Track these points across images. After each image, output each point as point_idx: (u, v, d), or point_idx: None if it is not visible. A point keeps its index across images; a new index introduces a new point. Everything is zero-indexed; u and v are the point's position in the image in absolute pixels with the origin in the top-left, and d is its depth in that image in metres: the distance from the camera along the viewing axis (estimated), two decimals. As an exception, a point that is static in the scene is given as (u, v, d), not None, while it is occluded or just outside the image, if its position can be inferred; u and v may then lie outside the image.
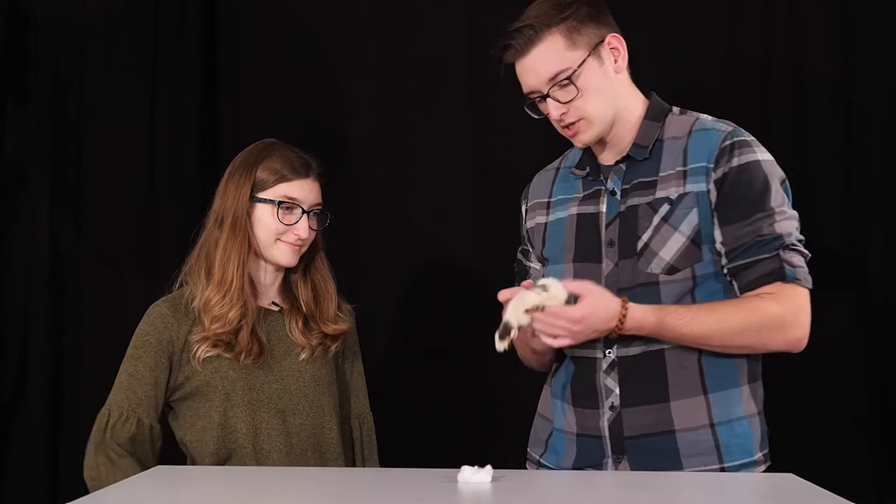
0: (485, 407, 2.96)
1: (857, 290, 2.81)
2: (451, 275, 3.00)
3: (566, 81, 1.94)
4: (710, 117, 2.03)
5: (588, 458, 1.99)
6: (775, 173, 1.95)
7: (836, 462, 2.70)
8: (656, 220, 1.95)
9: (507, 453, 2.04)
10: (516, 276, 2.20)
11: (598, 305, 1.84)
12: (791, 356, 1.97)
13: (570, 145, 2.17)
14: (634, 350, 1.95)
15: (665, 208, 1.95)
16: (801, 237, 1.94)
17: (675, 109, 2.05)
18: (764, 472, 1.96)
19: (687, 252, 1.93)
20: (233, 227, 2.15)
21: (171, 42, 3.08)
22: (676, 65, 2.89)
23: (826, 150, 2.84)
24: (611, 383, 1.96)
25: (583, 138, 2.00)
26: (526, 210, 2.18)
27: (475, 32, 3.01)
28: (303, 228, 2.15)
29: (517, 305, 1.83)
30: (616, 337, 1.91)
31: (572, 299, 1.84)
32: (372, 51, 3.06)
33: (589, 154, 2.07)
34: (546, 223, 2.11)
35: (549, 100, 1.97)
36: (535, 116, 2.03)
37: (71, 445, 3.02)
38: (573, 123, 1.98)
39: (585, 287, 1.85)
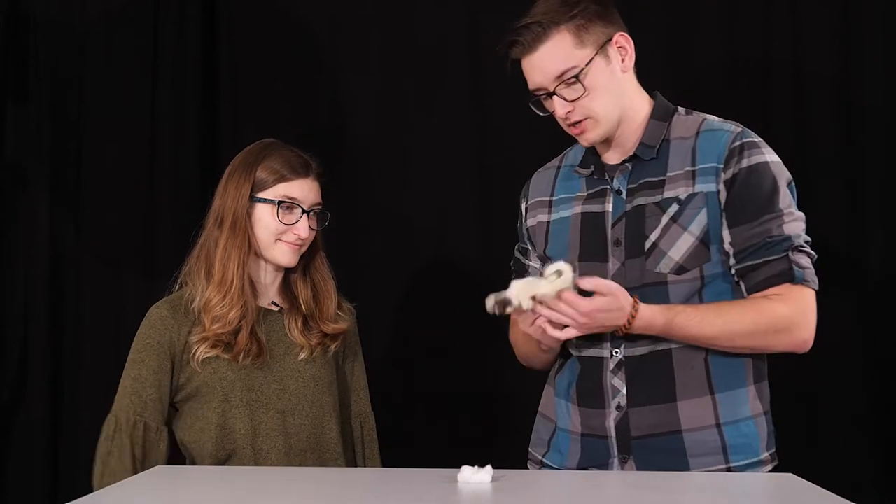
0: (485, 407, 2.96)
1: (857, 290, 2.81)
2: (451, 275, 3.00)
3: (573, 80, 1.93)
4: (716, 118, 2.03)
5: (593, 458, 1.98)
6: (783, 175, 1.95)
7: (836, 462, 2.70)
8: (665, 219, 1.95)
9: (508, 453, 2.04)
10: (513, 273, 2.20)
11: (611, 302, 1.84)
12: (791, 356, 1.97)
13: (569, 144, 2.17)
14: (641, 350, 1.94)
15: (674, 208, 1.95)
16: (808, 238, 1.95)
17: (681, 110, 2.05)
18: (770, 471, 1.96)
19: (696, 252, 1.93)
20: (233, 227, 2.15)
21: (171, 42, 3.08)
22: (676, 65, 2.89)
23: (826, 150, 2.84)
24: (618, 383, 1.96)
25: (589, 137, 1.99)
26: (526, 208, 2.17)
27: (475, 32, 3.01)
28: (303, 228, 2.15)
29: (525, 288, 1.82)
30: (622, 335, 1.91)
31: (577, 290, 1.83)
32: (372, 51, 3.06)
33: (593, 153, 2.06)
34: (548, 222, 2.10)
35: (555, 98, 1.96)
36: (540, 113, 2.02)
37: (71, 445, 3.02)
38: (579, 122, 1.97)
39: (606, 286, 1.83)
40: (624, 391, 1.95)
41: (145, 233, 3.05)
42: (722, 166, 1.94)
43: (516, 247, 2.21)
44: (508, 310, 1.84)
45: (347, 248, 2.88)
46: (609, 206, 2.01)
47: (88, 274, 3.06)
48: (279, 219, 2.14)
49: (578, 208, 2.05)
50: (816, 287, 1.93)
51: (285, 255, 2.16)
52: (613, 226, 1.99)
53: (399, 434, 2.52)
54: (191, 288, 2.18)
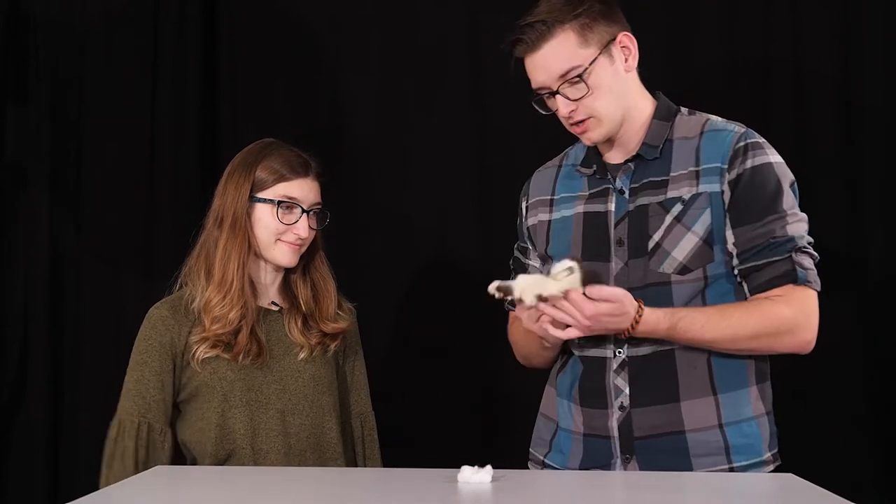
0: (485, 407, 2.96)
1: (857, 290, 2.81)
2: (451, 275, 3.00)
3: (577, 79, 1.93)
4: (720, 118, 2.03)
5: (596, 458, 1.98)
6: (787, 176, 1.95)
7: (836, 462, 2.70)
8: (668, 219, 1.95)
9: (508, 453, 2.04)
10: (512, 272, 2.20)
11: (617, 307, 1.84)
12: (791, 356, 1.97)
13: (569, 144, 2.17)
14: (645, 350, 1.94)
15: (678, 208, 1.95)
16: (811, 239, 1.95)
17: (684, 110, 2.05)
18: (772, 472, 1.96)
19: (700, 252, 1.93)
20: (232, 227, 2.15)
21: (171, 42, 3.08)
22: (676, 65, 2.89)
23: (826, 150, 2.84)
24: (621, 383, 1.96)
25: (592, 136, 1.99)
26: (526, 207, 2.16)
27: (475, 32, 3.01)
28: (302, 228, 2.15)
29: (532, 284, 1.82)
30: (625, 338, 1.91)
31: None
32: (372, 51, 3.06)
33: (595, 152, 2.06)
34: (550, 221, 2.10)
35: (558, 97, 1.96)
36: (543, 112, 2.02)
37: (71, 445, 3.02)
38: (582, 121, 1.97)
39: (612, 294, 1.83)
40: (627, 391, 1.95)
41: (145, 233, 3.05)
42: (726, 167, 1.94)
43: (516, 245, 2.21)
44: (508, 297, 1.84)
45: (347, 248, 2.87)
46: (612, 206, 2.01)
47: (88, 274, 3.06)
48: (279, 219, 2.14)
49: (581, 207, 2.05)
50: (819, 288, 1.93)
51: (285, 255, 2.16)
52: (616, 225, 1.99)
53: (399, 434, 2.52)
54: (191, 288, 2.18)
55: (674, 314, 1.89)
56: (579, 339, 1.95)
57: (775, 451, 1.99)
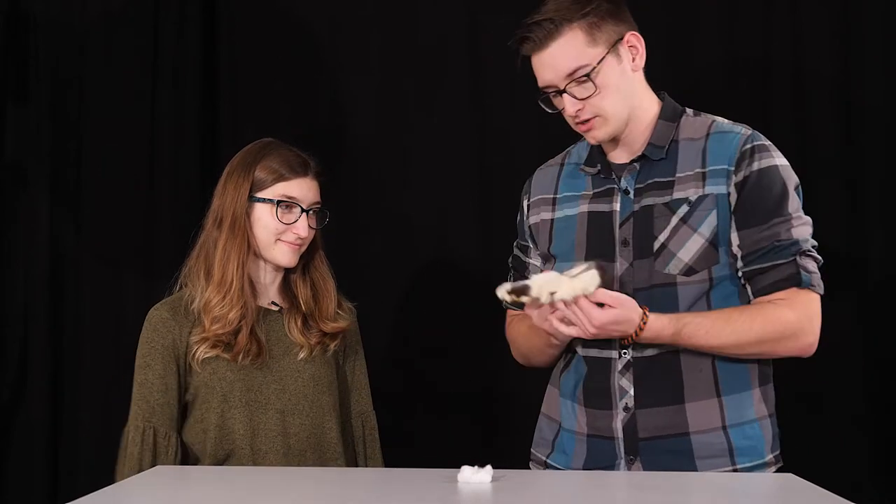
0: (485, 407, 2.96)
1: (857, 290, 2.81)
2: (451, 275, 3.00)
3: (584, 78, 1.92)
4: (725, 120, 2.03)
5: (600, 459, 1.98)
6: (792, 178, 1.95)
7: (836, 462, 2.70)
8: (674, 220, 1.95)
9: (508, 453, 2.04)
10: (512, 270, 2.20)
11: (622, 314, 1.85)
12: (792, 357, 1.97)
13: (571, 144, 2.17)
14: (650, 351, 1.94)
15: (684, 209, 1.94)
16: (815, 243, 1.95)
17: (689, 111, 2.05)
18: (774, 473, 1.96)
19: (705, 254, 1.93)
20: (232, 227, 2.15)
21: (171, 42, 3.07)
22: (676, 65, 2.89)
23: (826, 150, 2.85)
24: (625, 384, 1.96)
25: (597, 135, 1.99)
26: (528, 206, 2.15)
27: (475, 32, 3.01)
28: (302, 227, 2.15)
29: (547, 283, 1.82)
30: (629, 343, 1.92)
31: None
32: (372, 51, 3.06)
33: (599, 151, 2.05)
34: (552, 220, 2.09)
35: (565, 95, 1.95)
36: (549, 111, 2.01)
37: (71, 445, 3.02)
38: (588, 120, 1.96)
39: (617, 300, 1.84)
40: (631, 392, 1.95)
41: (145, 233, 3.05)
42: (733, 168, 1.93)
43: (515, 244, 2.20)
44: (523, 298, 1.83)
45: (347, 248, 2.87)
46: (617, 206, 2.00)
47: (88, 274, 3.06)
48: (278, 218, 2.14)
49: (585, 207, 2.04)
50: (822, 292, 1.94)
51: (285, 255, 2.16)
52: (621, 226, 1.99)
53: (399, 434, 2.52)
54: (190, 289, 2.17)
55: (678, 320, 1.89)
56: (584, 339, 1.95)
57: (777, 452, 2.00)
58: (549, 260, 2.08)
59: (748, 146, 1.94)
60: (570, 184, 2.10)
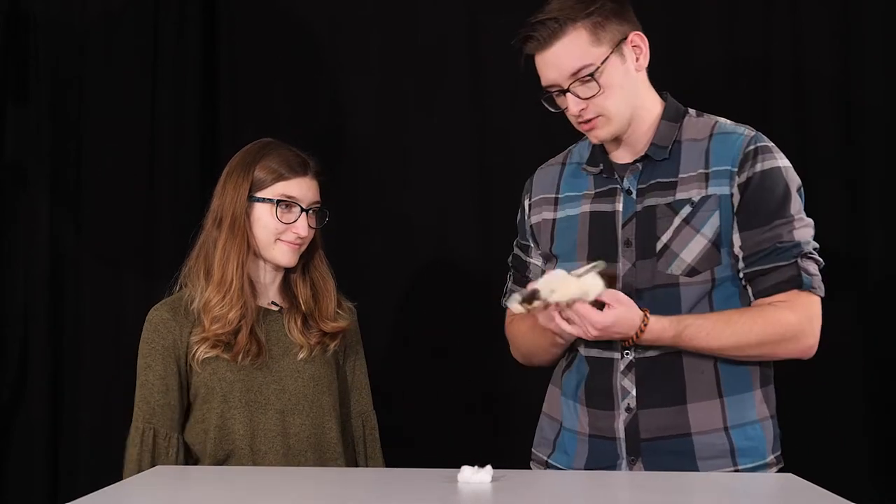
0: (485, 407, 2.96)
1: (857, 290, 2.81)
2: (451, 275, 3.00)
3: (588, 77, 1.92)
4: (728, 121, 2.02)
5: (601, 459, 1.98)
6: (794, 180, 1.95)
7: (836, 462, 2.70)
8: (677, 221, 1.94)
9: (508, 453, 2.04)
10: (512, 269, 2.19)
11: (623, 316, 1.85)
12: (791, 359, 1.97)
13: (571, 143, 2.17)
14: (652, 352, 1.94)
15: (686, 210, 1.94)
16: (817, 245, 1.95)
17: (692, 111, 2.05)
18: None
19: (708, 255, 1.93)
20: (231, 227, 2.15)
21: (171, 42, 3.07)
22: (676, 65, 2.89)
23: (826, 150, 2.85)
24: (628, 384, 1.96)
25: (599, 134, 1.98)
26: (529, 205, 2.15)
27: (475, 32, 3.01)
28: (302, 227, 2.15)
29: (554, 283, 1.82)
30: (630, 345, 1.92)
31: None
32: (372, 51, 3.06)
33: (601, 151, 2.05)
34: (554, 219, 2.09)
35: (568, 95, 1.94)
36: (552, 110, 2.00)
37: (71, 445, 3.03)
38: (591, 119, 1.96)
39: (615, 297, 1.84)
40: (634, 393, 1.95)
41: (145, 233, 3.05)
42: (736, 170, 1.93)
43: (515, 243, 2.20)
44: (535, 304, 1.83)
45: (347, 248, 2.87)
46: (619, 206, 2.00)
47: (88, 274, 3.06)
48: (278, 218, 2.14)
49: (587, 207, 2.04)
50: (823, 294, 1.94)
51: (285, 254, 2.16)
52: (624, 226, 1.98)
53: (399, 434, 2.52)
54: (190, 289, 2.17)
55: (679, 322, 1.89)
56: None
57: (778, 453, 2.00)
58: (551, 260, 2.08)
59: (751, 147, 1.94)
60: (572, 183, 2.09)
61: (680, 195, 1.96)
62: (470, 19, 3.02)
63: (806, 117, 2.86)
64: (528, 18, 1.95)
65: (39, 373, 3.03)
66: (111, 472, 2.14)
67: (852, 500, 1.53)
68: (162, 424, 2.11)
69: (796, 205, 1.94)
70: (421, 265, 3.02)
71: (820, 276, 1.93)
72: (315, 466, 2.14)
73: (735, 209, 1.93)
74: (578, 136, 2.14)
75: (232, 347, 2.12)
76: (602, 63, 1.92)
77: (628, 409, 1.95)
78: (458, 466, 1.71)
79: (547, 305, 1.84)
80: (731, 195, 1.93)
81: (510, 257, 2.21)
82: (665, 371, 1.94)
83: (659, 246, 1.95)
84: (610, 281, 1.85)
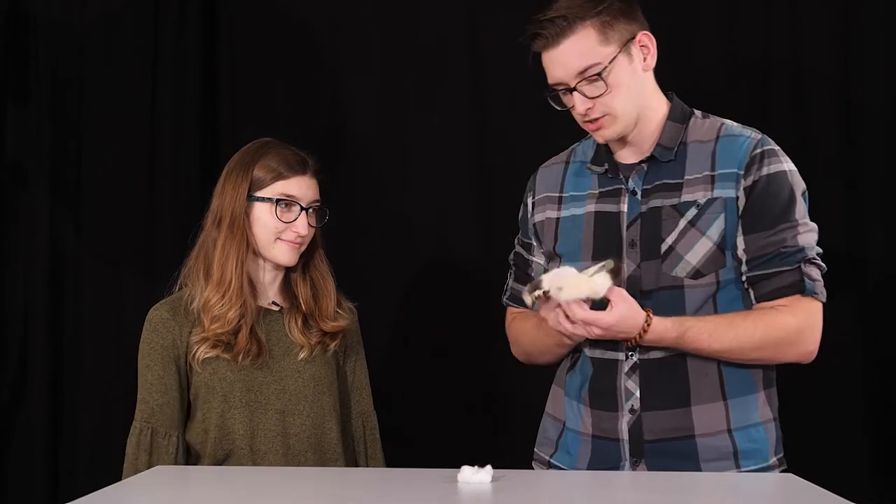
0: (485, 407, 2.96)
1: (857, 290, 2.81)
2: (451, 275, 3.00)
3: (595, 77, 1.91)
4: (735, 123, 2.02)
5: (604, 460, 1.98)
6: (799, 184, 1.95)
7: (836, 462, 2.70)
8: (682, 223, 1.94)
9: (508, 453, 2.04)
10: (513, 267, 2.19)
11: (626, 315, 1.84)
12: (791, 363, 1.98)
13: (571, 144, 2.17)
14: (657, 353, 1.94)
15: (692, 212, 1.94)
16: (820, 250, 1.95)
17: (697, 112, 2.04)
18: None
19: (713, 257, 1.93)
20: (231, 226, 2.15)
21: (171, 42, 3.08)
22: (676, 65, 2.87)
23: (826, 150, 2.84)
24: (632, 386, 1.95)
25: (605, 134, 1.98)
26: (533, 203, 2.14)
27: (475, 32, 3.01)
28: (302, 225, 2.15)
29: (562, 280, 1.82)
30: (632, 345, 1.91)
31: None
32: (372, 51, 3.06)
33: (606, 150, 2.04)
34: (558, 218, 2.08)
35: (575, 94, 1.94)
36: (558, 108, 2.00)
37: (71, 445, 3.03)
38: (598, 119, 1.95)
39: (618, 294, 1.84)
40: (638, 394, 1.95)
41: (145, 233, 3.05)
42: (742, 172, 1.93)
43: (517, 240, 2.19)
44: (536, 293, 1.83)
45: (347, 247, 2.87)
46: (624, 207, 2.00)
47: (88, 274, 3.06)
48: (278, 217, 2.14)
49: (592, 207, 2.03)
50: (824, 300, 1.94)
51: (285, 254, 2.16)
52: (628, 227, 1.98)
53: (399, 434, 2.52)
54: (190, 288, 2.17)
55: (681, 324, 1.89)
56: (591, 340, 1.95)
57: (781, 455, 1.99)
58: (554, 259, 2.07)
59: (758, 151, 1.94)
60: (576, 182, 2.09)
61: (685, 197, 1.95)
62: (470, 19, 3.02)
63: (806, 117, 2.86)
64: (536, 16, 1.94)
65: (39, 373, 3.03)
66: (111, 472, 2.14)
67: (852, 500, 1.53)
68: (161, 423, 2.11)
69: (801, 209, 1.94)
70: (421, 265, 3.02)
71: (822, 282, 1.93)
72: (315, 466, 2.14)
73: (740, 212, 1.93)
74: (578, 136, 2.14)
75: (232, 347, 2.12)
76: (610, 62, 1.91)
77: (632, 410, 1.95)
78: (458, 466, 1.71)
79: (548, 298, 1.83)
80: (737, 198, 1.93)
81: (511, 254, 2.20)
82: (669, 373, 1.94)
83: (664, 248, 1.95)
84: (617, 273, 1.85)
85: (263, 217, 2.15)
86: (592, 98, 1.93)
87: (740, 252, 1.93)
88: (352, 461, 2.26)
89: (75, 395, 3.03)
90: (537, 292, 1.83)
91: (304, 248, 2.19)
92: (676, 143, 1.99)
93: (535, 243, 2.13)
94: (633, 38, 1.95)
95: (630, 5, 1.97)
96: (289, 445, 2.13)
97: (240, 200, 2.15)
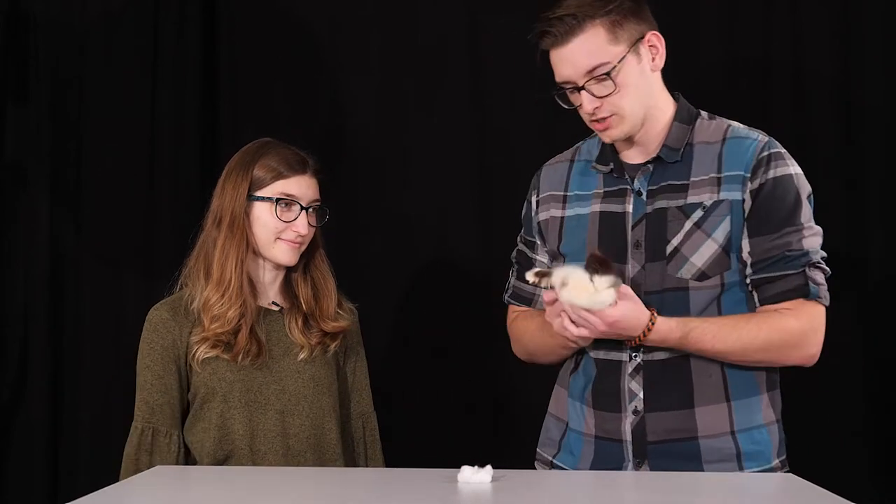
0: (485, 407, 2.96)
1: (857, 290, 2.81)
2: (451, 275, 3.00)
3: (604, 76, 1.91)
4: (741, 125, 2.02)
5: (607, 461, 1.97)
6: (805, 188, 1.95)
7: (836, 462, 2.70)
8: (688, 225, 1.94)
9: (508, 453, 2.04)
10: (516, 265, 2.18)
11: (630, 313, 1.84)
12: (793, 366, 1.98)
13: (569, 143, 2.17)
14: (660, 355, 1.94)
15: (698, 214, 1.94)
16: (825, 254, 1.95)
17: (703, 114, 2.04)
18: None
19: (718, 259, 1.93)
20: (231, 226, 2.15)
21: (171, 42, 3.08)
22: (676, 65, 2.86)
23: (826, 150, 2.84)
24: (635, 387, 1.95)
25: (612, 133, 1.97)
26: (537, 201, 2.13)
27: (475, 32, 3.01)
28: (302, 225, 2.15)
29: (568, 278, 1.82)
30: (636, 345, 1.91)
31: None
32: (372, 51, 3.06)
33: (611, 150, 2.04)
34: (563, 217, 2.08)
35: (583, 92, 1.93)
36: (565, 106, 1.99)
37: (71, 445, 3.03)
38: (605, 118, 1.95)
39: (623, 291, 1.84)
40: (641, 395, 1.94)
41: (145, 233, 3.05)
42: (749, 175, 1.93)
43: (520, 238, 2.18)
44: (544, 282, 1.84)
45: (347, 247, 2.87)
46: (629, 207, 1.99)
47: (88, 274, 3.06)
48: (278, 216, 2.14)
49: (597, 206, 2.03)
50: (828, 303, 1.94)
51: (285, 253, 2.16)
52: (633, 227, 1.98)
53: (399, 434, 2.52)
54: (190, 289, 2.18)
55: (686, 324, 1.89)
56: (595, 341, 1.94)
57: (784, 457, 1.99)
58: (558, 258, 2.06)
59: (765, 153, 1.94)
60: (580, 181, 2.08)
61: (691, 199, 1.95)
62: (470, 19, 3.02)
63: (806, 117, 2.86)
64: (545, 13, 1.93)
65: (39, 373, 3.03)
66: (111, 472, 2.14)
67: (852, 500, 1.53)
68: (162, 423, 2.11)
69: (806, 213, 1.94)
70: (421, 265, 3.02)
71: (826, 286, 1.93)
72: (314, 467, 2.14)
73: (746, 215, 1.92)
74: (578, 136, 2.14)
75: (232, 347, 2.12)
76: (619, 62, 1.91)
77: (635, 411, 1.95)
78: (458, 466, 1.71)
79: (549, 287, 1.83)
80: (743, 201, 1.93)
81: (514, 252, 2.20)
82: (673, 374, 1.94)
83: (669, 249, 1.94)
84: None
85: (263, 217, 2.15)
86: (600, 97, 1.92)
87: (745, 254, 1.93)
88: (351, 462, 2.26)
89: (75, 395, 3.03)
90: (544, 280, 1.83)
91: (304, 247, 2.19)
92: (683, 144, 1.99)
93: (538, 242, 2.13)
94: (642, 37, 1.94)
95: (639, 5, 1.96)
96: (288, 446, 2.13)
97: (240, 200, 2.15)
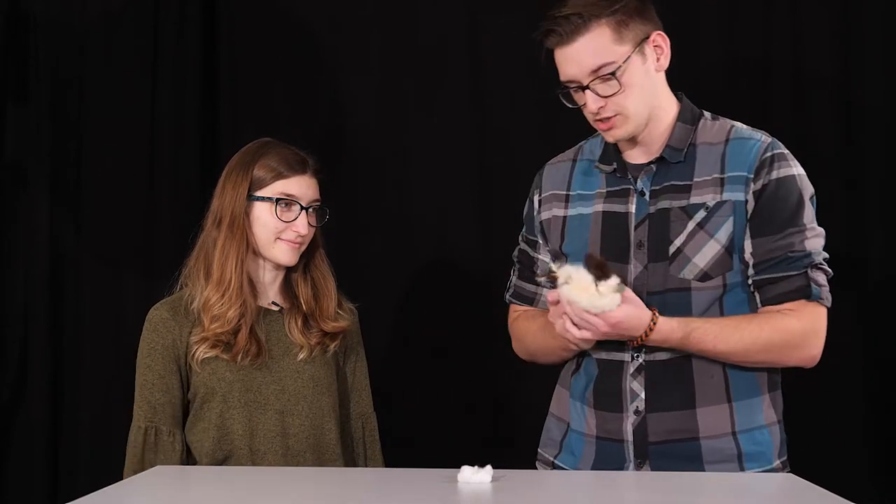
0: (485, 407, 2.96)
1: (857, 290, 2.81)
2: (451, 275, 3.00)
3: (609, 75, 1.90)
4: (744, 125, 2.01)
5: (608, 461, 1.97)
6: (808, 189, 1.95)
7: (836, 462, 2.70)
8: (691, 225, 1.94)
9: (508, 453, 2.04)
10: (517, 264, 2.18)
11: (632, 314, 1.84)
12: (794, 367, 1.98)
13: (570, 143, 2.16)
14: (662, 355, 1.93)
15: (701, 214, 1.94)
16: (827, 255, 1.95)
17: (707, 114, 2.03)
18: None
19: (721, 260, 1.93)
20: (231, 226, 2.15)
21: (171, 42, 3.08)
22: (677, 65, 2.88)
23: (826, 150, 2.84)
24: (637, 387, 1.95)
25: (616, 133, 1.97)
26: (539, 201, 2.13)
27: (475, 32, 3.01)
28: (302, 225, 2.15)
29: (573, 277, 1.82)
30: (637, 345, 1.91)
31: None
32: (372, 51, 3.06)
33: (614, 149, 2.03)
34: (565, 217, 2.07)
35: (588, 92, 1.93)
36: (569, 105, 1.99)
37: (71, 445, 3.03)
38: (609, 118, 1.94)
39: (625, 293, 1.84)
40: (643, 396, 1.94)
41: (145, 233, 3.05)
42: (752, 176, 1.93)
43: (521, 237, 2.18)
44: (549, 278, 1.86)
45: (347, 247, 2.88)
46: (632, 207, 1.99)
47: (88, 274, 3.06)
48: (278, 216, 2.14)
49: (600, 206, 2.02)
50: (829, 305, 1.94)
51: (285, 253, 2.16)
52: (636, 227, 1.98)
53: (399, 434, 2.52)
54: (190, 288, 2.18)
55: (687, 325, 1.89)
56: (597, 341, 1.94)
57: (785, 458, 1.99)
58: (560, 258, 2.06)
59: (768, 154, 1.94)
60: (583, 181, 2.08)
61: (694, 199, 1.95)
62: (470, 19, 3.02)
63: (806, 117, 2.86)
64: (551, 12, 1.93)
65: (39, 373, 3.03)
66: (111, 472, 2.14)
67: (852, 500, 1.53)
68: (164, 422, 2.12)
69: (809, 214, 1.94)
70: (421, 265, 3.02)
71: (828, 287, 1.93)
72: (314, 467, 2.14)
73: (748, 216, 1.92)
74: (579, 136, 2.14)
75: (231, 347, 2.12)
76: (624, 62, 1.91)
77: (637, 411, 1.95)
78: (458, 466, 1.71)
79: (553, 279, 1.84)
80: (746, 201, 1.92)
81: (515, 251, 2.19)
82: (675, 374, 1.94)
83: (672, 249, 1.94)
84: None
85: (263, 217, 2.15)
86: (605, 97, 1.92)
87: (747, 255, 1.93)
88: (351, 462, 2.26)
89: (75, 395, 3.03)
90: (550, 271, 1.84)
91: (304, 247, 2.19)
92: (686, 144, 1.99)
93: (540, 241, 2.12)
94: (648, 37, 1.94)
95: (645, 5, 1.96)
96: (288, 446, 2.13)
97: (240, 200, 2.15)
